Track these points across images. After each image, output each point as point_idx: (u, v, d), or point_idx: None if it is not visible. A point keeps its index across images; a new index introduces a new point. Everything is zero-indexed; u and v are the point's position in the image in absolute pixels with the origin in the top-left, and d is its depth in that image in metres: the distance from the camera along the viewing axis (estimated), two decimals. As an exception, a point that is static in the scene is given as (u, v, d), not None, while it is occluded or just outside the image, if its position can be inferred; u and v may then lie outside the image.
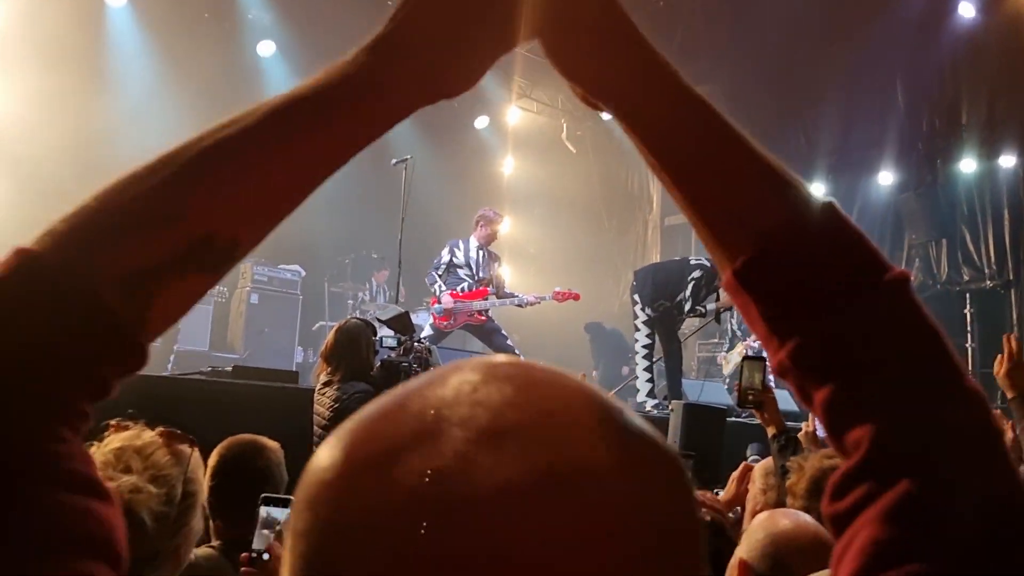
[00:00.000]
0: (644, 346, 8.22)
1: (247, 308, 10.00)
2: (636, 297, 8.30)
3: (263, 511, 1.84)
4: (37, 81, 8.75)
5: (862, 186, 12.12)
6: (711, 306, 8.02)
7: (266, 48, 11.18)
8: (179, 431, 1.67)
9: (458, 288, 8.02)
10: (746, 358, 3.31)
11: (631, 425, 0.44)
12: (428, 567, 0.37)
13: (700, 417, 5.76)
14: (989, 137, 10.86)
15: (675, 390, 7.76)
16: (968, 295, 11.12)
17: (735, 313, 10.73)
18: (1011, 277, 10.78)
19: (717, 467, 5.70)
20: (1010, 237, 10.80)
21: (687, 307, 7.93)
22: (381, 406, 0.44)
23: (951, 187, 11.20)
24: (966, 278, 11.16)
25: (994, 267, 10.92)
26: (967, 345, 10.96)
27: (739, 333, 10.85)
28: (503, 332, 8.10)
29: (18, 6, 8.66)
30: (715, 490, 3.23)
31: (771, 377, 3.26)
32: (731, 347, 10.96)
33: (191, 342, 9.40)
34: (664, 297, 8.02)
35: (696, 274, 7.94)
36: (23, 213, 8.21)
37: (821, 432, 2.68)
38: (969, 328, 11.02)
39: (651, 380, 8.24)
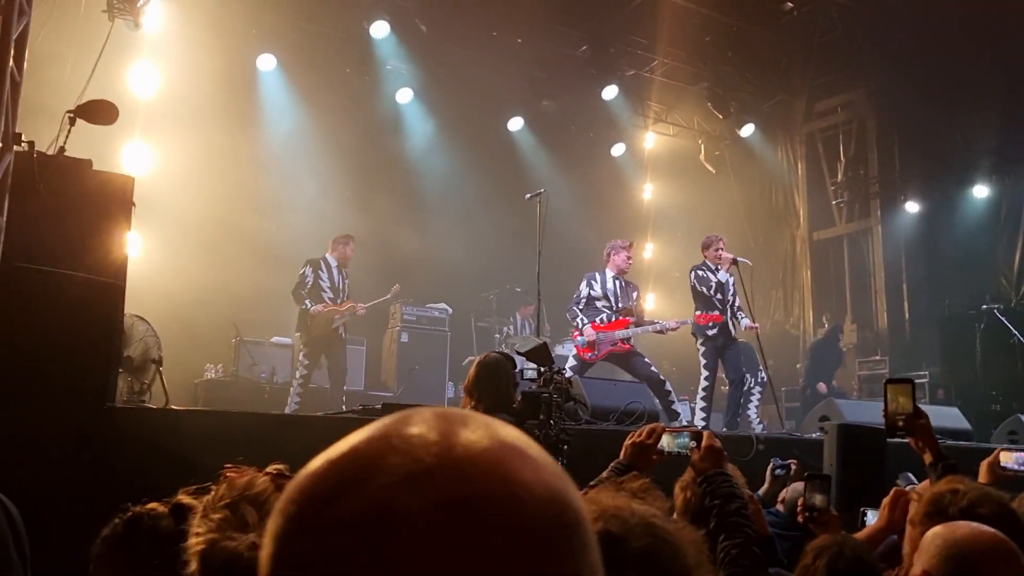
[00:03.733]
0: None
1: (398, 347, 10.37)
2: None
3: None
4: (195, 142, 9.46)
5: (1030, 185, 11.30)
6: None
7: (404, 95, 11.65)
8: (287, 470, 1.70)
9: (598, 319, 8.03)
10: (889, 381, 3.06)
11: (533, 461, 0.53)
12: None
13: (857, 438, 5.49)
14: None
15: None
16: None
17: None
18: None
19: (879, 490, 5.42)
20: None
21: None
22: (337, 451, 0.53)
23: None
24: None
25: None
26: None
27: None
28: (646, 359, 8.04)
29: (178, 72, 9.40)
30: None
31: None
32: None
33: (349, 383, 9.84)
34: None
35: None
36: (176, 266, 8.90)
37: (1013, 463, 2.53)
38: None
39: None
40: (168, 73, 9.30)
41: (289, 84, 10.77)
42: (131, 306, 4.94)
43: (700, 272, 8.41)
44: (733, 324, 8.28)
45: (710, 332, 8.20)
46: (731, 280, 8.38)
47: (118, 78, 8.55)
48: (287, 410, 8.21)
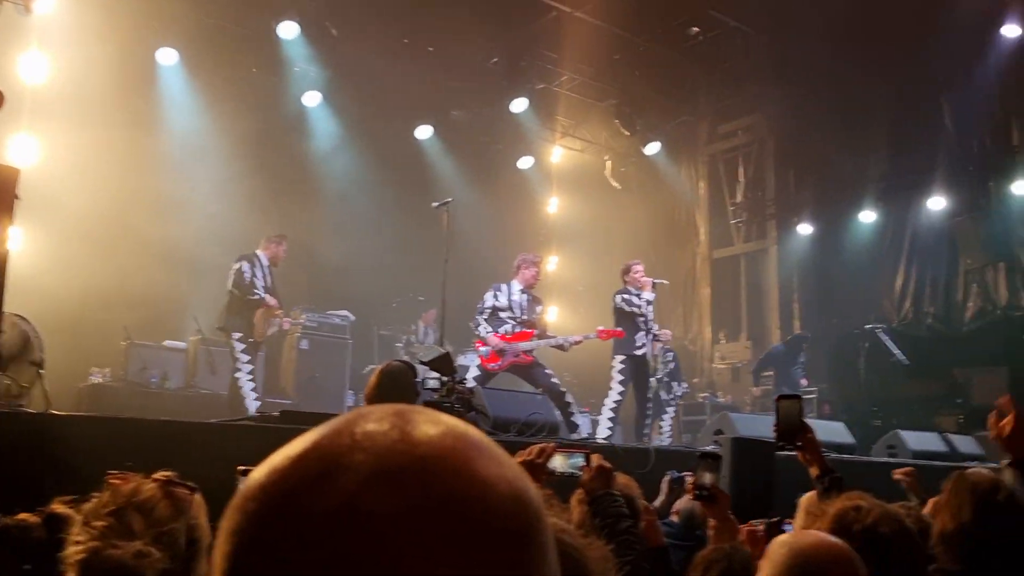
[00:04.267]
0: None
1: (298, 354, 10.14)
2: None
3: None
4: (87, 135, 9.06)
5: (913, 211, 11.91)
6: None
7: (312, 99, 11.46)
8: (176, 476, 1.65)
9: (502, 330, 8.06)
10: (780, 397, 3.16)
11: (495, 458, 0.54)
12: None
13: (749, 451, 5.64)
14: (1043, 157, 10.62)
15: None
16: (1030, 320, 10.79)
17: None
18: (1075, 300, 10.44)
19: (770, 501, 5.58)
20: (1071, 259, 10.48)
21: None
22: (299, 447, 0.52)
23: (1006, 209, 10.92)
24: (1027, 302, 10.83)
25: (1056, 290, 10.59)
26: (1032, 371, 10.61)
27: None
28: (548, 370, 8.10)
29: (71, 62, 9.00)
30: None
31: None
32: None
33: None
34: None
35: None
36: (62, 265, 8.51)
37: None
38: (1033, 353, 10.68)
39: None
40: (60, 62, 8.91)
41: (191, 81, 10.45)
42: (11, 305, 4.67)
43: (626, 296, 8.66)
44: (652, 344, 8.60)
45: (636, 352, 8.44)
46: (651, 301, 8.62)
47: (5, 65, 8.15)
48: (251, 411, 7.85)
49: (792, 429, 3.02)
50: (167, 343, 9.45)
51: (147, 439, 4.32)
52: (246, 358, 8.30)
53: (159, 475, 1.62)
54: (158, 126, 10.30)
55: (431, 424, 0.53)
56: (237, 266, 8.45)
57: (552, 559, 0.54)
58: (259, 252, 8.62)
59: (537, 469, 2.60)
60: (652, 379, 9.48)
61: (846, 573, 1.73)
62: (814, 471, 2.96)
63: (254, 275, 8.44)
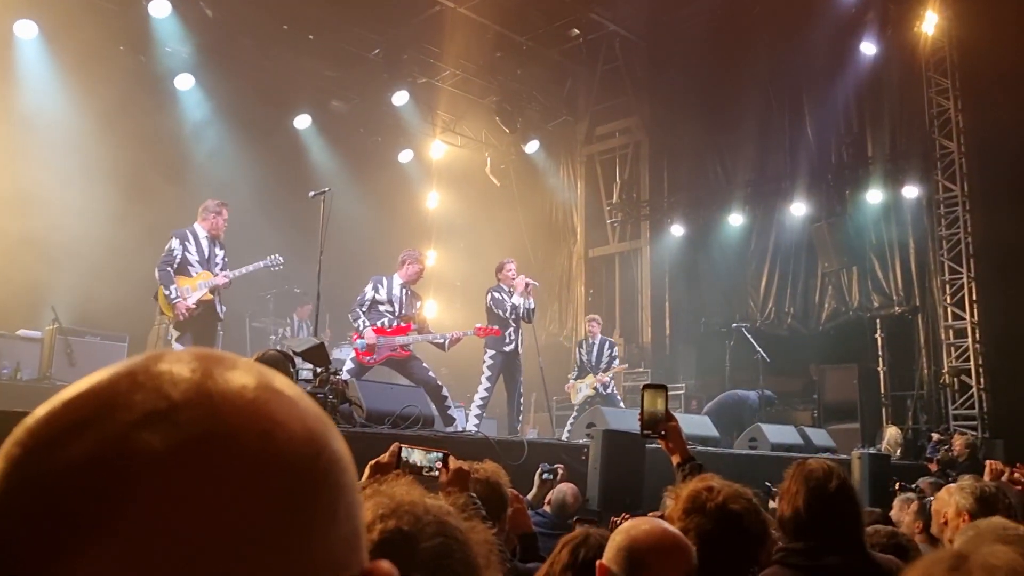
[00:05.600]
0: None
1: (164, 345, 9.75)
2: None
3: None
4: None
5: (777, 216, 12.51)
6: None
7: (184, 81, 11.03)
8: None
9: (379, 323, 8.01)
10: (647, 386, 3.21)
11: (292, 402, 0.50)
12: (67, 532, 0.43)
13: (620, 443, 5.81)
14: (893, 169, 11.35)
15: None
16: (878, 321, 11.52)
17: (584, 345, 10.98)
18: (917, 303, 11.20)
19: (638, 490, 5.76)
20: (916, 265, 11.24)
21: None
22: (82, 386, 0.48)
23: (860, 217, 11.63)
24: (876, 304, 11.55)
25: (901, 294, 11.34)
26: (878, 369, 11.34)
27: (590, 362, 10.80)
28: (424, 364, 8.09)
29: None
30: (624, 517, 3.23)
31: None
32: (579, 376, 10.92)
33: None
34: None
35: None
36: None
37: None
38: (880, 352, 11.41)
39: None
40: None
41: (51, 57, 9.87)
42: None
43: (496, 295, 8.76)
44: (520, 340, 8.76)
45: (506, 348, 8.56)
46: (524, 302, 8.69)
47: None
48: None
49: (656, 419, 3.11)
50: (21, 332, 8.91)
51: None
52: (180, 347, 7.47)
53: None
54: (13, 104, 9.68)
55: (230, 367, 0.49)
56: (167, 245, 7.66)
57: (350, 502, 0.50)
58: (196, 225, 7.82)
59: (387, 467, 2.60)
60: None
61: (672, 560, 1.85)
62: (675, 459, 3.08)
63: (185, 250, 7.62)
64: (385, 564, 0.51)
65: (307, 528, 0.47)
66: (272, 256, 8.18)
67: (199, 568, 0.43)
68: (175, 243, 7.63)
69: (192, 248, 7.67)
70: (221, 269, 7.79)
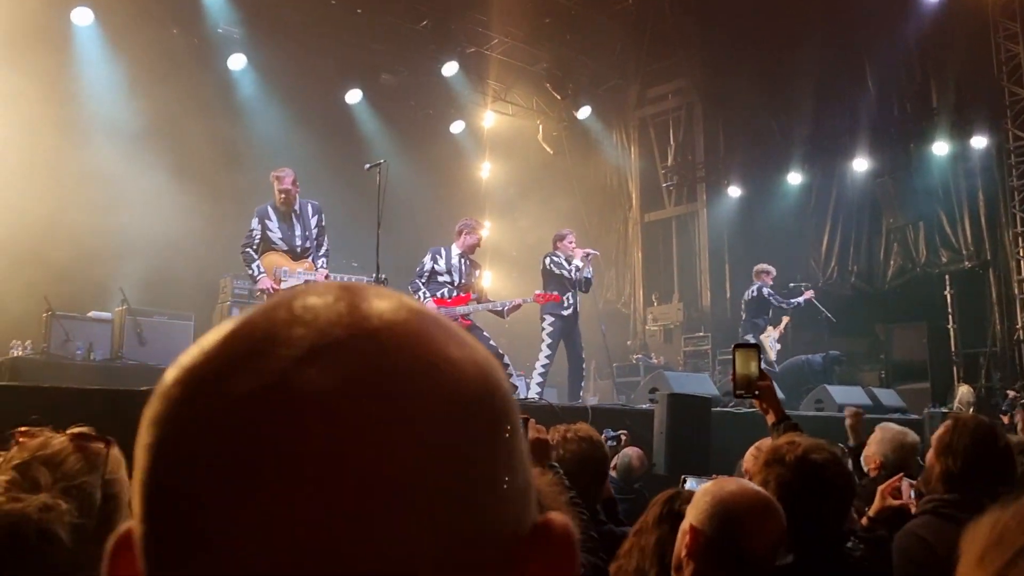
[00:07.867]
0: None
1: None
2: None
3: None
4: None
5: (838, 173, 12.21)
6: None
7: (237, 62, 11.13)
8: (92, 431, 1.59)
9: (439, 294, 8.03)
10: (738, 346, 3.17)
11: (461, 339, 0.47)
12: (244, 470, 0.41)
13: (684, 407, 5.76)
14: (959, 119, 10.96)
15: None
16: (948, 277, 11.19)
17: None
18: (988, 257, 10.86)
19: (706, 455, 5.72)
20: (986, 217, 10.88)
21: None
22: (231, 325, 0.46)
23: (925, 170, 11.28)
24: (944, 260, 11.23)
25: (971, 248, 11.00)
26: (948, 326, 11.03)
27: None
28: (486, 334, 8.10)
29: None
30: (707, 477, 3.21)
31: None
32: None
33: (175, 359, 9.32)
34: None
35: None
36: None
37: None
38: (950, 309, 11.10)
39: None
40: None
41: (107, 42, 10.03)
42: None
43: (555, 258, 8.70)
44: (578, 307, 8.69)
45: (564, 312, 8.47)
46: (584, 269, 8.63)
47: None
48: None
49: (749, 379, 3.05)
50: (92, 314, 9.15)
51: (68, 407, 4.18)
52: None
53: (73, 429, 1.55)
54: (74, 90, 9.87)
55: (385, 298, 0.47)
56: (250, 226, 7.60)
57: (522, 472, 0.46)
58: (273, 202, 7.65)
59: (544, 445, 2.64)
60: None
61: (767, 520, 1.81)
62: (770, 418, 3.02)
63: (266, 228, 7.54)
64: (559, 516, 0.47)
65: (488, 476, 0.44)
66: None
67: (376, 512, 0.41)
68: (254, 222, 7.60)
69: (272, 226, 7.63)
70: (313, 244, 7.69)
